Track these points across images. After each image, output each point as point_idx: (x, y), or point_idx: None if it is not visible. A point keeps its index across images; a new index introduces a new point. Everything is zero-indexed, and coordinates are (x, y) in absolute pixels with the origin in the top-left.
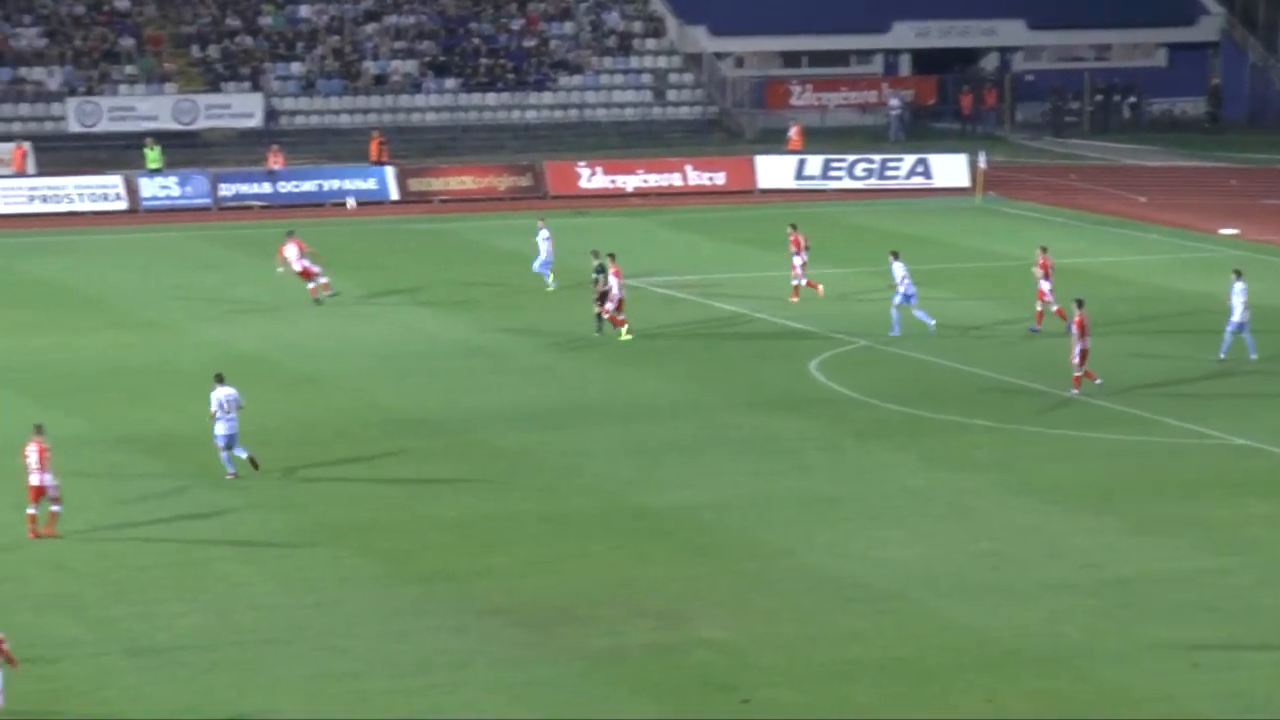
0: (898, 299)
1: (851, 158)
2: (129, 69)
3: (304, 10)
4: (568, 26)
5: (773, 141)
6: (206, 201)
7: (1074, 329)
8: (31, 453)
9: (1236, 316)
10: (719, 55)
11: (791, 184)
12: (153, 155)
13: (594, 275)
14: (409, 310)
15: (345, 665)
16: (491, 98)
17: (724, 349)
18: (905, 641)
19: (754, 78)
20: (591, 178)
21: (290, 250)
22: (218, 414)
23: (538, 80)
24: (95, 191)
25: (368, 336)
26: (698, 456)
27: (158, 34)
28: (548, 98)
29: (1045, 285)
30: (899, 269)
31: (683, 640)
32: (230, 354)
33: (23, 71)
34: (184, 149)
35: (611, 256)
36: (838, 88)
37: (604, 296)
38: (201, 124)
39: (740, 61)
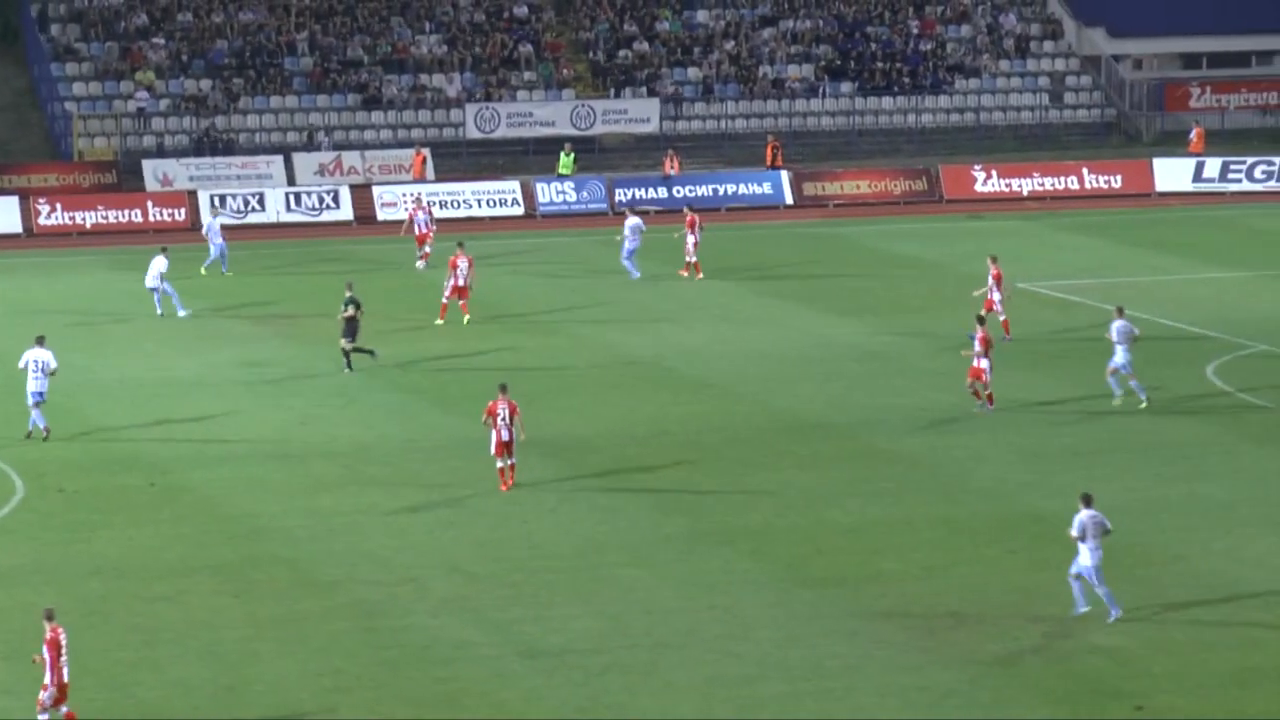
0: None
1: (1251, 160)
2: (527, 75)
3: (701, 15)
4: (964, 30)
5: (1171, 144)
6: (602, 206)
7: None
8: (501, 409)
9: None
10: (1117, 57)
11: (1189, 187)
12: (566, 161)
13: (344, 306)
14: (803, 314)
15: (739, 670)
16: (887, 102)
17: None
18: None
19: (1152, 80)
20: (986, 181)
21: (463, 262)
22: (31, 372)
23: (934, 84)
24: (493, 197)
25: (761, 341)
26: (1093, 461)
27: (556, 40)
28: (944, 101)
29: None
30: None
31: (1075, 646)
32: (625, 358)
33: (423, 79)
34: (581, 154)
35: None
36: (1238, 89)
37: (353, 332)
38: (598, 129)
39: (1139, 63)
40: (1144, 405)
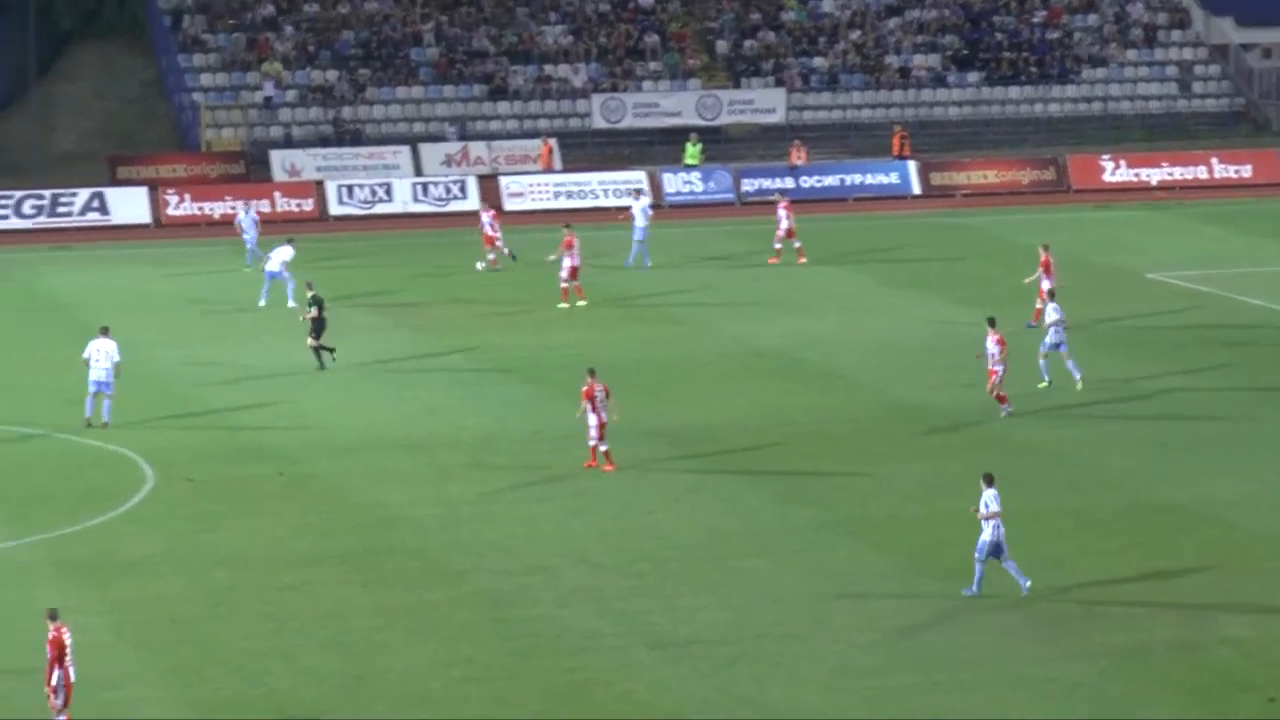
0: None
1: None
2: (653, 65)
3: (826, 5)
4: (1091, 19)
5: None
6: (729, 196)
7: None
8: (599, 391)
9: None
10: (1245, 46)
11: None
12: (692, 151)
13: (308, 306)
14: (930, 305)
15: (867, 661)
16: (1014, 91)
17: (1250, 344)
18: None
19: None
20: (1115, 171)
21: (576, 241)
22: (91, 361)
23: (1061, 73)
24: (620, 187)
25: (888, 332)
26: (1224, 452)
27: (681, 30)
28: (1071, 90)
29: None
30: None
31: (1206, 638)
32: (752, 349)
33: (548, 69)
34: (707, 144)
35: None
36: None
37: (319, 330)
38: (724, 120)
39: (1268, 52)
40: (1080, 387)
